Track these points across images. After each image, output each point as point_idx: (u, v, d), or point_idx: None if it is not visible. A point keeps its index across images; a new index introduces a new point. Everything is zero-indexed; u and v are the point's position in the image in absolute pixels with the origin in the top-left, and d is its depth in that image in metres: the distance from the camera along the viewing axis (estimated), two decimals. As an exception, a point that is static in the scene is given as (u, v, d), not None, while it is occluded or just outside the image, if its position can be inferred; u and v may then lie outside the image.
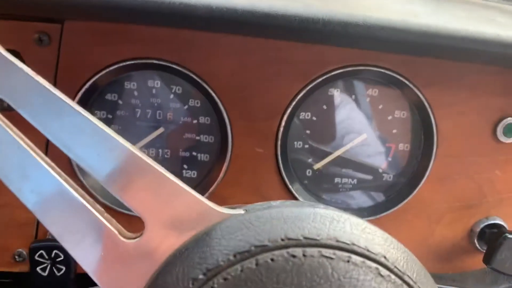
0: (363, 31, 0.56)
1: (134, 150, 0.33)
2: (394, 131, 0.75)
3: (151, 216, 0.33)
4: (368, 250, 0.32)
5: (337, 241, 0.32)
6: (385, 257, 0.32)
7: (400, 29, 0.56)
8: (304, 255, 0.31)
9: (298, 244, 0.31)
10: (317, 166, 0.76)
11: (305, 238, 0.32)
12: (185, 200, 0.34)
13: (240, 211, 0.36)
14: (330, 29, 0.56)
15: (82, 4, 0.58)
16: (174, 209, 0.34)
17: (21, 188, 0.33)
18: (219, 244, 0.32)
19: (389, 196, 0.77)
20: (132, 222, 0.38)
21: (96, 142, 0.33)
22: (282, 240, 0.31)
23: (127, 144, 0.33)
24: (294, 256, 0.31)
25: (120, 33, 0.66)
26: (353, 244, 0.32)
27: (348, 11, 0.57)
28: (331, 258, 0.31)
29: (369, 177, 0.77)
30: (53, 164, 0.34)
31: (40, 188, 0.34)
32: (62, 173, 0.34)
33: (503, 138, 0.72)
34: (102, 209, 0.35)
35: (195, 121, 0.73)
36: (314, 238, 0.32)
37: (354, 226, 0.34)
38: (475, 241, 0.76)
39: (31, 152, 0.34)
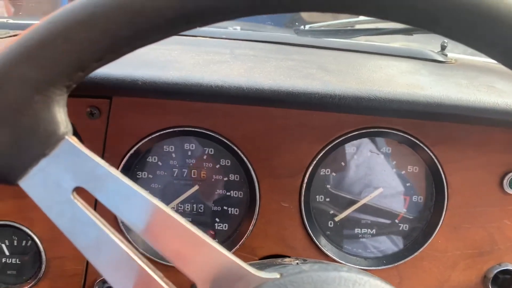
0: (374, 104, 0.64)
1: (184, 222, 0.41)
2: (408, 184, 0.82)
3: (201, 281, 0.41)
4: (383, 309, 0.39)
5: (359, 302, 0.39)
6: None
7: (407, 102, 0.64)
8: (331, 315, 0.38)
9: (327, 305, 0.38)
10: (338, 218, 0.82)
11: (332, 300, 0.39)
12: (229, 265, 0.41)
13: (276, 275, 0.43)
14: (345, 103, 0.63)
15: (128, 86, 0.67)
16: (220, 273, 0.41)
17: (97, 259, 0.41)
18: (260, 306, 0.39)
19: (406, 245, 0.83)
20: (169, 270, 0.44)
21: (139, 207, 0.41)
22: (313, 302, 0.38)
23: (177, 217, 0.40)
24: (323, 316, 0.38)
25: (160, 106, 0.75)
26: (371, 304, 0.39)
27: (361, 86, 0.65)
28: (354, 317, 0.38)
29: (386, 227, 0.83)
30: (121, 237, 0.42)
31: (111, 259, 0.41)
32: (129, 245, 0.42)
33: (509, 190, 0.78)
34: (161, 274, 0.42)
35: (225, 179, 0.81)
36: (339, 300, 0.39)
37: (373, 287, 0.41)
38: (489, 286, 0.81)
39: (105, 229, 0.42)
